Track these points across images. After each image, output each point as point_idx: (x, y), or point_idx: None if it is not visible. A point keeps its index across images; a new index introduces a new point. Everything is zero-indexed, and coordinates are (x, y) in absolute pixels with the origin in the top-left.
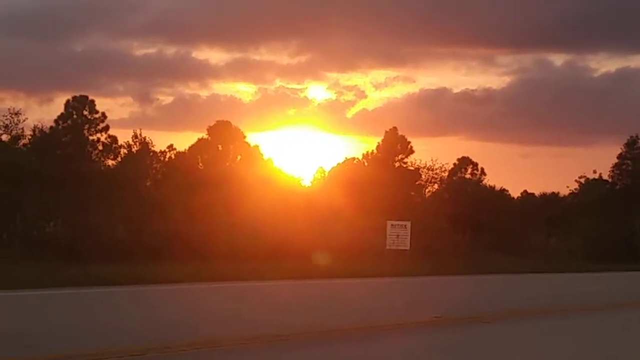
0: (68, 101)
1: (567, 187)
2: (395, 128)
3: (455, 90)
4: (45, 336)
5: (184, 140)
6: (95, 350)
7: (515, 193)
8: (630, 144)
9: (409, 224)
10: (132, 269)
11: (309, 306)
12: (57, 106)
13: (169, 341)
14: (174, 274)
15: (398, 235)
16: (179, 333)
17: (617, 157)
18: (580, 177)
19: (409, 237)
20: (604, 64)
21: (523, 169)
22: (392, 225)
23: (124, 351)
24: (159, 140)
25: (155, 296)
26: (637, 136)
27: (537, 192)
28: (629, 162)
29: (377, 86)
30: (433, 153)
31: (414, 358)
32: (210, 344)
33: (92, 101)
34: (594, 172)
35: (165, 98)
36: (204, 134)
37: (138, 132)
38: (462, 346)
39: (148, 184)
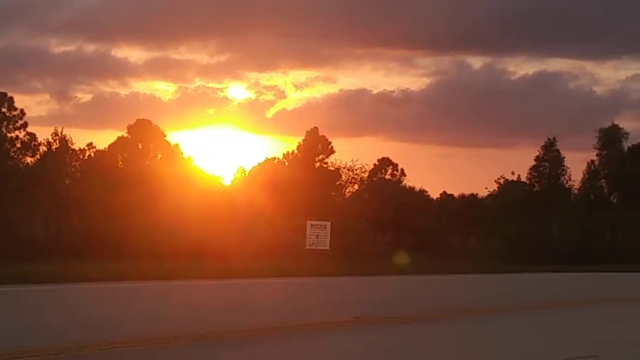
0: None
1: (486, 188)
2: (316, 128)
3: (375, 91)
4: None
5: (103, 139)
6: (13, 349)
7: (434, 194)
8: (547, 147)
9: (329, 224)
10: (51, 267)
11: (229, 305)
12: None
13: (87, 340)
14: (93, 273)
15: (318, 235)
16: (98, 332)
17: (535, 160)
18: (499, 179)
19: (328, 237)
20: (522, 67)
21: (442, 170)
22: (312, 225)
23: (41, 350)
24: (79, 139)
25: (74, 295)
26: (554, 139)
27: (456, 193)
28: (546, 164)
29: (298, 86)
30: (353, 153)
31: (331, 358)
32: (130, 343)
33: (11, 98)
34: (512, 173)
35: (84, 96)
36: (124, 133)
37: (58, 129)
38: (381, 346)
39: (67, 182)
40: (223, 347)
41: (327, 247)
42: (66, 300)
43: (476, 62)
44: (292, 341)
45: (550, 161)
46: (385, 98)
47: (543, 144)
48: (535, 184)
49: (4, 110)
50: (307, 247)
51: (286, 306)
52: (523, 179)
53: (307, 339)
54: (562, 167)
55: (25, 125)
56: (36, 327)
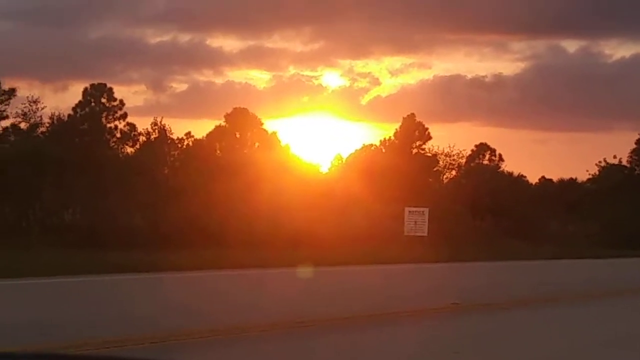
0: (86, 89)
1: (587, 171)
2: (412, 114)
3: (469, 76)
4: (62, 323)
5: (200, 128)
6: (114, 338)
7: (532, 179)
8: None
9: (426, 210)
10: (149, 256)
11: (327, 293)
12: (71, 94)
13: (184, 328)
14: (191, 262)
15: (416, 222)
16: (195, 321)
17: (636, 143)
18: (599, 162)
19: (426, 224)
20: (618, 50)
21: (539, 155)
22: (409, 211)
23: (142, 338)
24: (175, 128)
25: (171, 284)
26: None
27: (554, 178)
28: None
29: (393, 72)
30: (449, 139)
31: (433, 344)
32: (229, 331)
33: (110, 89)
34: (614, 157)
35: (179, 85)
36: (221, 121)
37: (158, 119)
38: (480, 332)
39: (166, 171)
40: (322, 335)
41: (425, 234)
42: (163, 289)
43: (571, 45)
44: (391, 328)
45: None
46: (479, 83)
47: None
48: (636, 167)
49: (103, 100)
50: (405, 233)
51: (385, 293)
52: (624, 162)
53: (406, 325)
54: None
55: (124, 115)
56: (133, 315)
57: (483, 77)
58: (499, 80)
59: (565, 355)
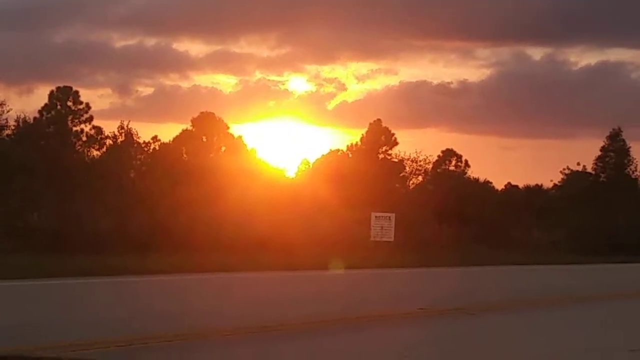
0: (52, 92)
1: (551, 180)
2: (379, 120)
3: (435, 83)
4: (29, 326)
5: (166, 132)
6: (81, 341)
7: (498, 185)
8: (613, 137)
9: (393, 215)
10: (116, 260)
11: (293, 297)
12: (37, 97)
13: (152, 332)
14: (158, 266)
15: (382, 227)
16: (163, 324)
17: (600, 150)
18: (564, 169)
19: (393, 229)
20: (583, 57)
21: (505, 161)
22: (376, 217)
23: (108, 342)
24: (142, 132)
25: (138, 287)
26: (619, 129)
27: (520, 185)
28: (612, 154)
29: (359, 78)
30: (416, 145)
31: (397, 349)
32: (194, 335)
33: (77, 92)
34: (578, 164)
35: (145, 89)
36: (187, 125)
37: (124, 123)
38: (447, 338)
39: (132, 175)
40: (287, 339)
41: (392, 239)
42: (131, 293)
43: (536, 53)
44: (358, 333)
45: (615, 151)
46: (444, 89)
47: (607, 134)
48: (601, 174)
49: (69, 104)
50: (372, 238)
51: (351, 298)
52: (588, 169)
53: (373, 330)
54: (628, 158)
55: (90, 118)
56: (101, 319)
57: (448, 83)
58: (464, 87)
59: None
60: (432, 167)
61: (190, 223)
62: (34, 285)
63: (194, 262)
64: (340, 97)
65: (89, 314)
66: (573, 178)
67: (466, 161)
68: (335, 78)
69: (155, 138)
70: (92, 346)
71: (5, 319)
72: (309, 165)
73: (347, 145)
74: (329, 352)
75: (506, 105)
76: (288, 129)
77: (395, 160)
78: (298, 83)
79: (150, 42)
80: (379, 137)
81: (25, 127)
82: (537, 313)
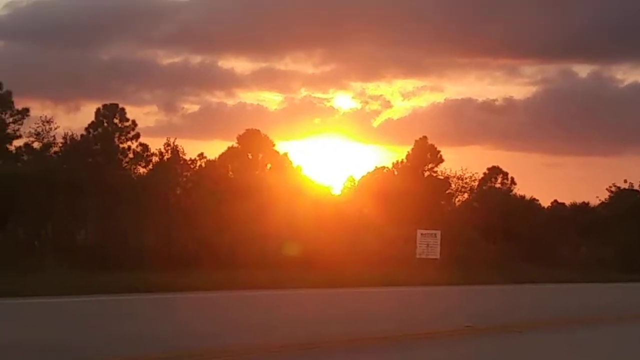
0: (99, 109)
1: (597, 197)
2: (424, 137)
3: (480, 100)
4: (74, 344)
5: (211, 149)
6: (125, 357)
7: (545, 202)
8: None
9: (439, 232)
10: (161, 277)
11: (338, 315)
12: (84, 114)
13: (197, 349)
14: (203, 283)
15: (428, 244)
16: (206, 341)
17: None
18: (611, 187)
19: (439, 246)
20: (630, 75)
21: (551, 178)
22: (422, 234)
23: (153, 358)
24: (187, 149)
25: (183, 304)
26: None
27: (567, 202)
28: None
29: (405, 95)
30: (461, 162)
31: None
32: (239, 352)
33: (123, 109)
34: (625, 181)
35: (191, 107)
36: (233, 143)
37: (171, 140)
38: (494, 356)
39: (178, 192)
40: (332, 356)
41: (438, 256)
42: (175, 310)
43: (582, 70)
44: (404, 351)
45: None
46: (490, 107)
47: None
48: None
49: (115, 121)
50: (418, 256)
51: (397, 315)
52: (635, 187)
53: (420, 348)
54: None
55: (137, 136)
56: (145, 335)
57: (493, 100)
58: (510, 104)
59: None
60: (478, 185)
61: (236, 240)
62: (78, 301)
63: (239, 280)
64: (386, 115)
65: (133, 330)
66: (620, 195)
67: (512, 178)
68: (381, 95)
69: (201, 155)
70: None
71: (49, 335)
72: (355, 183)
73: (393, 163)
74: None
75: (552, 122)
76: (333, 146)
77: (441, 177)
78: (343, 100)
79: (196, 59)
80: (425, 154)
81: (72, 144)
82: (583, 331)
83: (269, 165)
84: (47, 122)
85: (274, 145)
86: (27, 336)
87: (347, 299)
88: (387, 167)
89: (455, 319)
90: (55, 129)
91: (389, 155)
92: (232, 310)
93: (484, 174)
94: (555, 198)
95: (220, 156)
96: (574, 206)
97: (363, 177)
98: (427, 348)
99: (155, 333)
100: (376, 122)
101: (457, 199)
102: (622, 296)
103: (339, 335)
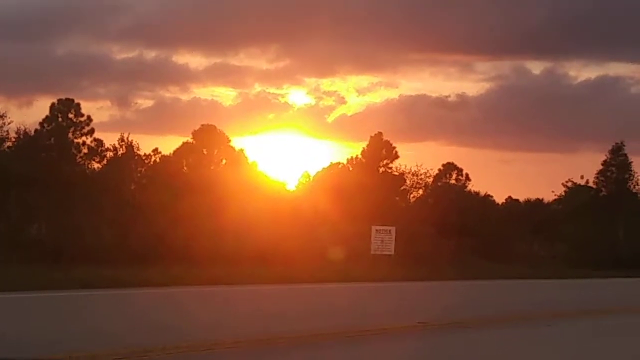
0: (53, 104)
1: (553, 192)
2: (380, 133)
3: (434, 96)
4: (28, 339)
5: (167, 144)
6: (80, 354)
7: (499, 199)
8: (615, 151)
9: (393, 229)
10: (116, 272)
11: (293, 310)
12: (36, 109)
13: (152, 345)
14: (158, 278)
15: (382, 240)
16: (163, 337)
17: (602, 164)
18: (566, 182)
19: (393, 242)
20: (583, 72)
21: (505, 175)
22: (376, 230)
23: (108, 354)
24: (142, 144)
25: (139, 300)
26: (622, 143)
27: (521, 198)
28: (613, 169)
29: (360, 91)
30: (415, 158)
31: None
32: (194, 347)
33: (78, 104)
34: (582, 177)
35: (144, 102)
36: (188, 138)
37: (125, 135)
38: (446, 352)
39: (133, 187)
40: (286, 352)
41: (392, 253)
42: (131, 305)
43: (536, 66)
44: (357, 346)
45: (617, 165)
46: (443, 103)
47: (607, 148)
48: (602, 188)
49: (70, 116)
50: (372, 252)
51: (351, 311)
52: (590, 183)
53: (372, 344)
54: (630, 172)
55: (92, 131)
56: (101, 331)
57: (446, 96)
58: (463, 100)
59: None
60: (433, 181)
61: (191, 236)
62: (33, 297)
63: (195, 275)
64: (340, 110)
65: (88, 326)
66: (574, 192)
67: (467, 175)
68: (335, 91)
69: (156, 150)
70: (92, 359)
71: (3, 330)
72: (310, 179)
73: (348, 159)
74: None
75: (505, 118)
76: (288, 142)
77: (396, 173)
78: (297, 96)
79: (150, 54)
80: (380, 150)
81: (25, 139)
82: (534, 327)
83: (224, 161)
84: (0, 117)
85: (229, 141)
86: None
87: (301, 294)
88: (342, 163)
89: (408, 315)
90: (9, 123)
91: (343, 151)
92: (187, 306)
93: (439, 170)
94: (509, 194)
95: (175, 152)
96: (528, 202)
97: (318, 173)
98: (380, 344)
99: (111, 328)
100: (330, 118)
101: (412, 195)
102: (573, 292)
103: (293, 331)
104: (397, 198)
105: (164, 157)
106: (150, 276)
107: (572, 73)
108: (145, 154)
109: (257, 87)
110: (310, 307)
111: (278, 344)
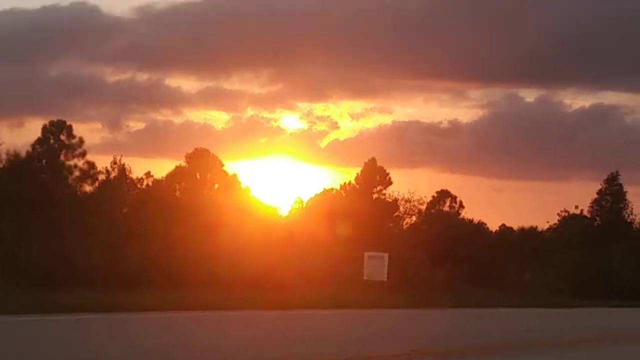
0: (45, 126)
1: (547, 222)
2: (374, 159)
3: (426, 123)
4: None
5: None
6: None
7: (492, 227)
8: (610, 180)
9: (386, 255)
10: (108, 296)
11: (285, 336)
12: (28, 131)
13: None
14: (150, 302)
15: (375, 267)
16: None
17: (597, 193)
18: (561, 212)
19: (386, 269)
20: (577, 100)
21: (498, 203)
22: (369, 256)
23: None
24: (135, 167)
25: (130, 324)
26: (617, 172)
27: (514, 226)
28: (608, 197)
29: (353, 116)
30: (409, 185)
31: None
32: None
33: (70, 126)
34: (576, 207)
35: (136, 124)
36: (181, 162)
37: (117, 158)
38: None
39: (125, 210)
40: None
41: (385, 279)
42: (122, 329)
43: (529, 94)
44: None
45: (612, 195)
46: (435, 129)
47: (602, 177)
48: (597, 217)
49: (62, 138)
50: (365, 278)
51: (343, 338)
52: (585, 213)
53: None
54: (624, 201)
55: (84, 153)
56: (92, 355)
57: (439, 123)
58: (455, 127)
59: None
60: (426, 208)
61: (184, 260)
62: (23, 320)
63: (187, 300)
64: (333, 135)
65: (80, 351)
66: (568, 221)
67: (460, 202)
68: (328, 116)
69: (148, 174)
70: None
71: None
72: (303, 204)
73: (341, 185)
74: None
75: (499, 146)
76: (280, 167)
77: (389, 200)
78: (290, 120)
79: (143, 77)
80: (374, 176)
81: (16, 161)
82: (525, 356)
83: (216, 186)
84: None
85: (222, 165)
86: None
87: (294, 320)
88: (336, 189)
89: (401, 342)
90: (0, 145)
91: (336, 176)
92: (180, 331)
93: (433, 197)
94: (503, 222)
95: (168, 175)
96: (521, 230)
97: (311, 198)
98: None
99: (103, 353)
100: (323, 143)
101: (405, 222)
102: (564, 321)
103: (286, 357)
104: (391, 224)
105: (156, 181)
106: (143, 300)
107: (566, 101)
108: (137, 177)
109: (250, 111)
110: (303, 333)
111: None
